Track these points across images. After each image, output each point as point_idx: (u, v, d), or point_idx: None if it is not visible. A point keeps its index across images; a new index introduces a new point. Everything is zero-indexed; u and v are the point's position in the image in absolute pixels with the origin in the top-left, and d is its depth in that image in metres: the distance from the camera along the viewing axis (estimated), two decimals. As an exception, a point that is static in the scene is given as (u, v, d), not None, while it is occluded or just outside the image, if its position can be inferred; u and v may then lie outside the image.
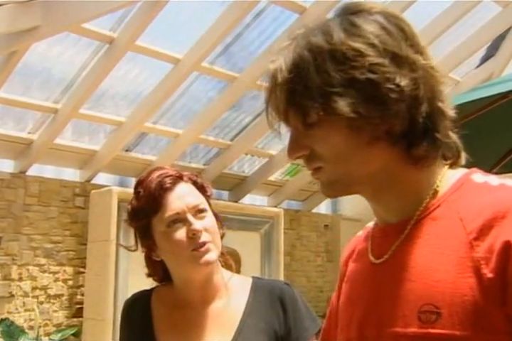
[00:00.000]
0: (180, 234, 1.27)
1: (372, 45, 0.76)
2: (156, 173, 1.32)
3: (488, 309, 0.70)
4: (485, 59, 5.63)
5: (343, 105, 0.75)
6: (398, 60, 0.77)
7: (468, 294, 0.71)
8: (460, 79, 5.57)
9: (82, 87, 3.76)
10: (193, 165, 4.81)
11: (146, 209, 1.29)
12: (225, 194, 5.19)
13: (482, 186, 0.79)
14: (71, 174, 4.25)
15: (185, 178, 1.33)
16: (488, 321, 0.70)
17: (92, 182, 4.28)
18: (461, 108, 2.58)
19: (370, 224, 0.93)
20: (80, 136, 4.24)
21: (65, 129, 4.02)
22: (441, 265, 0.74)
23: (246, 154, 5.12)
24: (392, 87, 0.75)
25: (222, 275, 1.36)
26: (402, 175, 0.81)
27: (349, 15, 0.80)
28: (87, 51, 3.72)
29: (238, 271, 1.45)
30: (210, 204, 1.35)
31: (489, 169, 3.13)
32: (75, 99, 3.80)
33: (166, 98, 4.11)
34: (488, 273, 0.70)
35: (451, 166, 0.84)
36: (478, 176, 0.82)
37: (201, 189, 1.35)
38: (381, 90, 0.75)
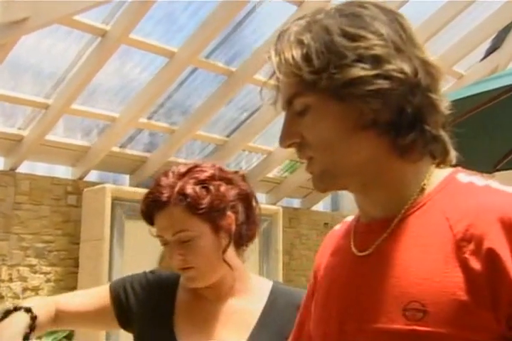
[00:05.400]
0: (166, 251, 1.32)
1: (376, 33, 0.80)
2: (153, 188, 1.31)
3: (475, 308, 0.72)
4: (490, 51, 5.54)
5: (356, 70, 0.78)
6: (399, 49, 0.80)
7: (456, 293, 0.73)
8: (464, 72, 5.49)
9: (74, 82, 3.71)
10: (189, 162, 4.73)
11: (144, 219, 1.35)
12: (223, 191, 5.14)
13: (467, 186, 0.82)
14: (63, 171, 4.23)
15: (173, 201, 1.27)
16: (476, 320, 0.72)
17: (85, 179, 4.24)
18: (465, 102, 2.53)
19: (349, 219, 0.95)
20: (72, 132, 4.21)
21: (57, 125, 3.98)
22: (426, 262, 0.76)
23: (243, 150, 5.06)
24: (395, 67, 0.78)
25: (239, 275, 1.36)
26: (388, 167, 0.82)
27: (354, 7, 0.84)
28: (78, 44, 3.68)
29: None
30: (212, 218, 1.29)
31: (494, 164, 3.08)
32: (66, 94, 3.76)
33: (160, 93, 4.08)
34: (475, 274, 0.73)
35: (439, 165, 0.86)
36: (463, 176, 0.84)
37: (192, 208, 1.27)
38: (384, 69, 0.78)
